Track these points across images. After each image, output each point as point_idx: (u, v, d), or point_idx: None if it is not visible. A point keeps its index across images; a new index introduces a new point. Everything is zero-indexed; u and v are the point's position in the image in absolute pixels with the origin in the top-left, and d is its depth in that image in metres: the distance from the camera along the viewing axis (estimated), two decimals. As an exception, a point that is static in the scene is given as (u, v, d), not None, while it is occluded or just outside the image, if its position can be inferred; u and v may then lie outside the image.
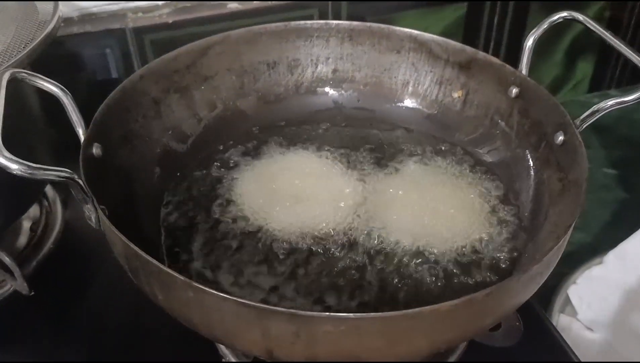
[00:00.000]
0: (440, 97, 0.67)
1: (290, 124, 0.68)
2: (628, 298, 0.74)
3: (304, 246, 0.54)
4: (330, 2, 0.88)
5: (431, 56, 0.67)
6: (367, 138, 0.67)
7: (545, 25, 0.59)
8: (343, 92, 0.71)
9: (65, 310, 0.63)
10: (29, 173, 0.40)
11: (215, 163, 0.63)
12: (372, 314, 0.37)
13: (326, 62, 0.70)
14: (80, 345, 0.59)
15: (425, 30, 0.66)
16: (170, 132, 0.62)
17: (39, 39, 0.53)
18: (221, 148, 0.64)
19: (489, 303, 0.40)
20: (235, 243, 0.55)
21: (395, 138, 0.67)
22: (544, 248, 0.50)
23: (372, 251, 0.55)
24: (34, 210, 0.71)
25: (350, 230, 0.56)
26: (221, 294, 0.38)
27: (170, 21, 0.84)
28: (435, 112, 0.68)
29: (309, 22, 0.68)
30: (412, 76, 0.68)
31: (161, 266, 0.40)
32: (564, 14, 0.58)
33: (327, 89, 0.71)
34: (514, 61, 0.62)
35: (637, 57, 0.52)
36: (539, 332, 0.60)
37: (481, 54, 0.63)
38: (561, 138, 0.54)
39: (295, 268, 0.53)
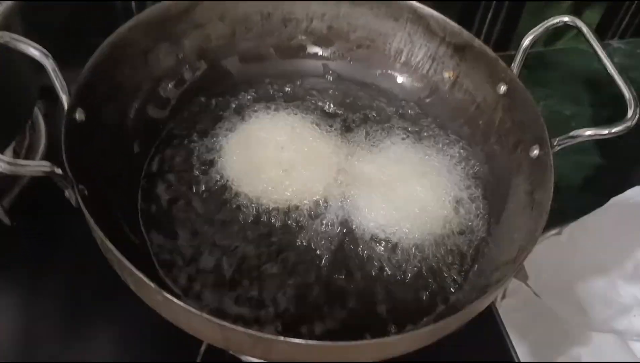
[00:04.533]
0: (431, 73, 0.67)
1: (277, 83, 0.68)
2: (578, 270, 0.79)
3: (281, 218, 0.57)
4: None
5: (428, 30, 0.65)
6: (353, 104, 0.67)
7: (543, 28, 0.58)
8: (335, 50, 0.70)
9: (50, 239, 0.65)
10: (10, 170, 0.41)
11: (198, 127, 0.63)
12: (323, 343, 0.41)
13: (322, 18, 0.68)
14: (61, 280, 0.62)
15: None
16: (156, 84, 0.62)
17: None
18: (205, 109, 0.64)
19: (432, 333, 0.44)
20: (211, 213, 0.57)
21: (381, 108, 0.67)
22: (501, 257, 0.54)
23: (340, 230, 0.57)
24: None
25: (325, 205, 0.59)
26: (187, 307, 0.41)
27: None
28: (424, 87, 0.68)
29: (309, -22, 0.65)
30: (406, 45, 0.67)
31: (135, 270, 0.42)
32: (566, 18, 0.57)
33: (319, 46, 0.69)
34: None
35: (627, 89, 0.52)
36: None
37: (477, 42, 0.62)
38: (536, 151, 0.56)
39: (268, 244, 0.56)
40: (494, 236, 0.58)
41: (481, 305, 0.46)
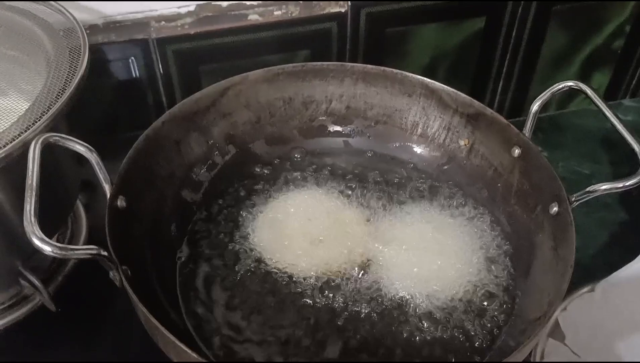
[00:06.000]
0: (447, 142, 0.70)
1: (302, 160, 0.72)
2: (614, 327, 0.78)
3: (313, 286, 0.60)
4: (349, 14, 0.89)
5: (441, 103, 0.69)
6: (374, 175, 0.71)
7: (550, 93, 0.61)
8: (354, 127, 0.74)
9: (92, 323, 0.67)
10: (62, 254, 0.45)
11: (229, 205, 0.67)
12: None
13: (340, 99, 0.73)
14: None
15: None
16: (189, 170, 0.66)
17: (66, 96, 0.55)
18: (236, 189, 0.68)
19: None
20: (245, 286, 0.60)
21: (402, 177, 0.71)
22: (532, 314, 0.55)
23: (369, 295, 0.60)
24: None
25: (353, 271, 0.61)
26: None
27: (192, 32, 0.86)
28: (441, 155, 0.71)
29: (325, 63, 0.70)
30: (421, 118, 0.71)
31: (178, 342, 0.45)
32: (570, 83, 0.60)
33: (339, 124, 0.74)
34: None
35: (636, 143, 0.54)
36: None
37: (488, 110, 0.66)
38: (555, 209, 0.58)
39: (302, 314, 0.58)
40: (523, 294, 0.59)
41: (515, 360, 0.47)
